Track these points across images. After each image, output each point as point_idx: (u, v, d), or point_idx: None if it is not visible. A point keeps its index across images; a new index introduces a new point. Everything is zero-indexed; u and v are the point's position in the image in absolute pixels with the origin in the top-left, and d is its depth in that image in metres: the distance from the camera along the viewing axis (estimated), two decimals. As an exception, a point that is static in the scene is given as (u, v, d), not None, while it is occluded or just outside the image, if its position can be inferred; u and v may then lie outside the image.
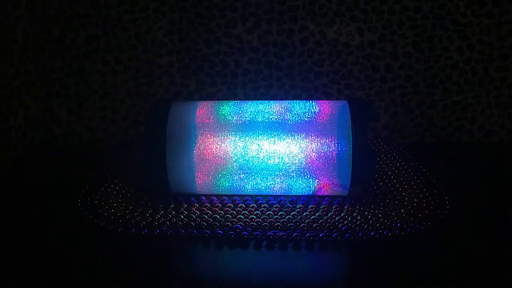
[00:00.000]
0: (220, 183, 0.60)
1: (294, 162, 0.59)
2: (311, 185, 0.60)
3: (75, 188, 0.65)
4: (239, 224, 0.56)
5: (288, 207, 0.60)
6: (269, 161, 0.59)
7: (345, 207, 0.59)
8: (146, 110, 0.84)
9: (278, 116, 0.60)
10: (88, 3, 0.80)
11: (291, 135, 0.59)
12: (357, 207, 0.59)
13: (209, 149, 0.59)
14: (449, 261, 0.50)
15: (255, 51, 0.82)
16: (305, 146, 0.59)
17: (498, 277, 0.48)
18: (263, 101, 0.63)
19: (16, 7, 0.77)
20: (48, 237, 0.56)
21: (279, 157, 0.59)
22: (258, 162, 0.59)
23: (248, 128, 0.60)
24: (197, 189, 0.61)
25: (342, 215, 0.58)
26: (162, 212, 0.59)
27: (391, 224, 0.56)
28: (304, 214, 0.58)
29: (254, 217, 0.58)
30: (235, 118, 0.60)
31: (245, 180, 0.60)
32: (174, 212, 0.59)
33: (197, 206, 0.60)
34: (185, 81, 0.83)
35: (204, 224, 0.56)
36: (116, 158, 0.76)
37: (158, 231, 0.56)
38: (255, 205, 0.60)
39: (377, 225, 0.56)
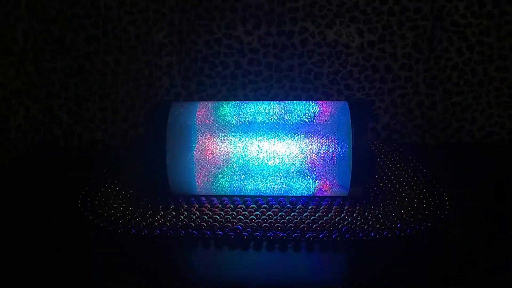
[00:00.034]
0: (220, 183, 0.60)
1: (294, 162, 0.59)
2: (311, 186, 0.60)
3: (75, 189, 0.65)
4: (239, 225, 0.56)
5: (288, 207, 0.60)
6: (269, 162, 0.59)
7: (345, 208, 0.59)
8: (146, 111, 0.84)
9: (278, 117, 0.60)
10: (88, 3, 0.80)
11: (291, 135, 0.59)
12: (357, 207, 0.59)
13: (209, 149, 0.59)
14: (449, 262, 0.50)
15: (255, 52, 0.82)
16: (305, 146, 0.59)
17: (498, 277, 0.48)
18: (263, 102, 0.63)
19: (16, 8, 0.78)
20: (48, 238, 0.56)
21: (279, 158, 0.59)
22: (258, 162, 0.59)
23: (248, 129, 0.60)
24: (197, 190, 0.61)
25: (342, 215, 0.58)
26: (162, 212, 0.59)
27: (391, 224, 0.56)
28: (304, 214, 0.58)
29: (254, 217, 0.58)
30: (235, 119, 0.60)
31: (245, 181, 0.60)
32: (174, 213, 0.59)
33: (197, 206, 0.60)
34: (185, 82, 0.84)
35: (204, 225, 0.56)
36: (116, 158, 0.76)
37: (158, 231, 0.56)
38: (255, 206, 0.60)
39: (377, 225, 0.55)
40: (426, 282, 0.47)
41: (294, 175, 0.60)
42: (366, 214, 0.58)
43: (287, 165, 0.59)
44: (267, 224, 0.56)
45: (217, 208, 0.60)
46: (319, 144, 0.59)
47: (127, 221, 0.57)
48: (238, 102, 0.63)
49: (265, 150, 0.59)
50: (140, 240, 0.55)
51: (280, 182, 0.60)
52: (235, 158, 0.59)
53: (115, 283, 0.48)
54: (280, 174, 0.60)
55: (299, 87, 0.83)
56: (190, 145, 0.59)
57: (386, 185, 0.65)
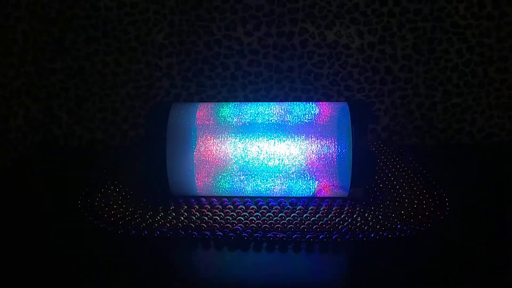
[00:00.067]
0: (220, 184, 0.60)
1: (294, 163, 0.59)
2: (311, 187, 0.60)
3: (75, 189, 0.65)
4: (239, 226, 0.56)
5: (288, 208, 0.60)
6: (269, 163, 0.59)
7: (345, 209, 0.59)
8: (146, 112, 0.84)
9: (278, 117, 0.60)
10: (89, 4, 0.80)
11: (291, 136, 0.59)
12: (357, 208, 0.59)
13: (209, 150, 0.59)
14: (449, 263, 0.50)
15: (255, 53, 0.82)
16: (305, 147, 0.59)
17: (498, 277, 0.48)
18: (263, 103, 0.63)
19: (16, 8, 0.78)
20: (48, 238, 0.56)
21: (279, 159, 0.59)
22: (258, 163, 0.59)
23: (248, 129, 0.60)
24: (197, 191, 0.61)
25: (342, 216, 0.58)
26: (162, 213, 0.59)
27: (391, 225, 0.56)
28: (304, 215, 0.58)
29: (254, 218, 0.58)
30: (235, 119, 0.60)
31: (245, 182, 0.60)
32: (174, 214, 0.59)
33: (197, 207, 0.60)
34: (185, 83, 0.84)
35: (204, 226, 0.56)
36: (116, 159, 0.76)
37: (158, 232, 0.56)
38: (255, 207, 0.60)
39: (377, 226, 0.55)
40: (426, 283, 0.47)
41: (294, 176, 0.60)
42: (366, 215, 0.58)
43: (287, 166, 0.59)
44: (267, 225, 0.56)
45: (217, 209, 0.60)
46: (319, 145, 0.59)
47: (127, 222, 0.57)
48: (238, 103, 0.63)
49: (265, 151, 0.59)
50: (140, 241, 0.55)
51: (280, 183, 0.60)
52: (235, 159, 0.59)
53: (115, 284, 0.48)
54: (280, 175, 0.60)
55: (299, 88, 0.83)
56: (190, 146, 0.59)
57: (386, 186, 0.65)
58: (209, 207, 0.60)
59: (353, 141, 0.57)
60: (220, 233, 0.55)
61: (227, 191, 0.61)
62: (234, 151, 0.59)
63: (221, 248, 0.54)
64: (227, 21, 0.80)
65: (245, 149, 0.59)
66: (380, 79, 0.83)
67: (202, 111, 0.61)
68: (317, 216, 0.58)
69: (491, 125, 0.84)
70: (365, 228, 0.55)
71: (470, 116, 0.84)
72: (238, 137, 0.59)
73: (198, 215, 0.59)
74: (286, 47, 0.81)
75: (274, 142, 0.59)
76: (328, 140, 0.59)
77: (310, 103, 0.62)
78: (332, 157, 0.59)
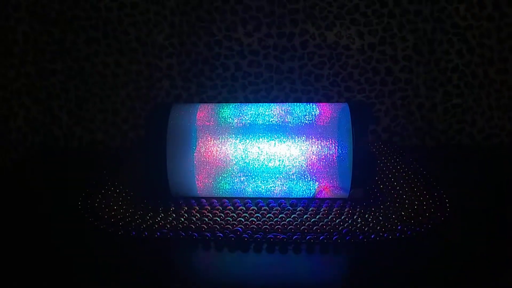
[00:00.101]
0: (221, 185, 0.60)
1: (294, 164, 0.59)
2: (311, 188, 0.60)
3: (75, 190, 0.65)
4: (239, 227, 0.56)
5: (288, 209, 0.60)
6: (270, 164, 0.59)
7: (346, 210, 0.59)
8: (147, 113, 0.84)
9: (279, 118, 0.60)
10: (89, 5, 0.80)
11: (292, 137, 0.59)
12: (358, 209, 0.59)
13: (210, 151, 0.59)
14: (449, 264, 0.50)
15: (256, 54, 0.82)
16: (306, 148, 0.59)
17: (498, 277, 0.48)
18: (264, 103, 0.63)
19: (17, 9, 0.78)
20: (48, 239, 0.56)
21: (280, 160, 0.59)
22: (259, 164, 0.59)
23: (249, 130, 0.60)
24: (198, 192, 0.61)
25: (342, 217, 0.58)
26: (163, 214, 0.59)
27: (392, 226, 0.56)
28: (305, 216, 0.58)
29: (255, 219, 0.58)
30: (235, 120, 0.60)
31: (246, 183, 0.60)
32: (174, 215, 0.59)
33: (198, 208, 0.60)
34: (185, 84, 0.84)
35: (204, 227, 0.56)
36: (117, 160, 0.76)
37: (158, 233, 0.56)
38: (256, 208, 0.60)
39: (378, 227, 0.55)
40: (426, 284, 0.47)
41: (294, 177, 0.60)
42: (366, 216, 0.58)
43: (288, 167, 0.59)
44: (267, 226, 0.56)
45: (218, 210, 0.60)
46: (319, 146, 0.59)
47: (127, 223, 0.57)
48: (238, 104, 0.63)
49: (265, 152, 0.59)
50: (140, 242, 0.55)
51: (280, 184, 0.60)
52: (236, 160, 0.59)
53: (115, 285, 0.48)
54: (281, 176, 0.60)
55: (299, 89, 0.83)
56: (191, 147, 0.59)
57: (386, 187, 0.65)
58: (210, 208, 0.60)
59: (353, 142, 0.57)
60: (221, 234, 0.55)
61: (228, 192, 0.61)
62: (234, 152, 0.59)
63: (222, 249, 0.54)
64: (228, 22, 0.81)
65: (246, 150, 0.59)
66: (380, 80, 0.83)
67: (203, 112, 0.61)
68: (317, 217, 0.58)
69: (492, 126, 0.84)
70: (366, 229, 0.55)
71: (470, 117, 0.84)
72: (238, 138, 0.59)
73: (199, 216, 0.59)
74: (286, 48, 0.81)
75: (275, 143, 0.59)
76: (329, 141, 0.59)
77: (311, 104, 0.62)
78: (332, 158, 0.58)
